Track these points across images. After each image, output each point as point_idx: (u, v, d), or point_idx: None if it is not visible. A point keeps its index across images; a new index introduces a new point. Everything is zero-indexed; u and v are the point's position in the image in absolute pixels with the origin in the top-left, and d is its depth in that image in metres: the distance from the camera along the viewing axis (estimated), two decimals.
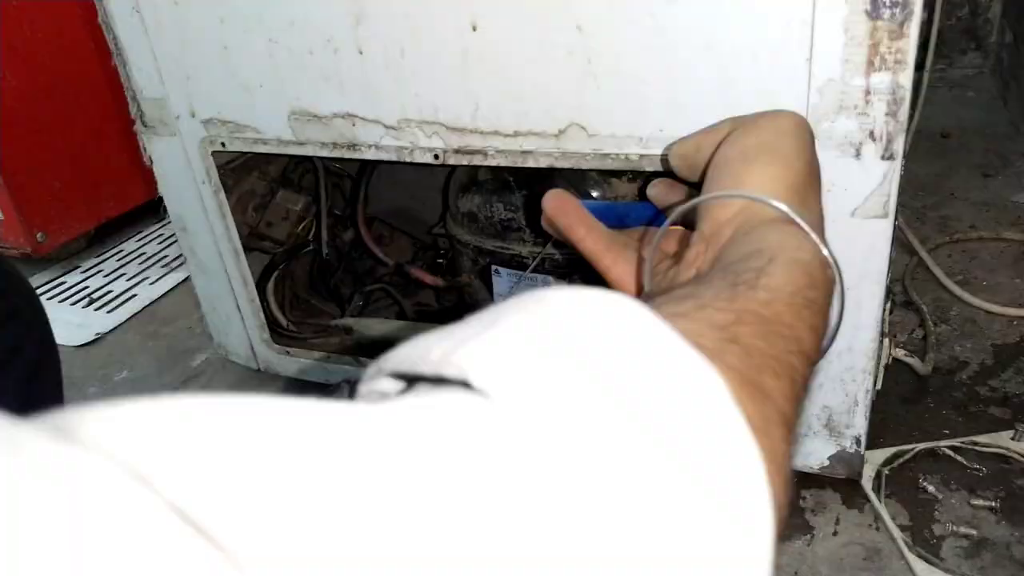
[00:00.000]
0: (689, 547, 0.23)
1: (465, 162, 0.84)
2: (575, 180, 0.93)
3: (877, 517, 0.85)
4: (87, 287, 1.58)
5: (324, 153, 0.91)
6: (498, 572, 0.20)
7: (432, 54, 0.79)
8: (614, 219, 0.59)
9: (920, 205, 1.45)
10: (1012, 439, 0.90)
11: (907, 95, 0.64)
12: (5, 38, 1.45)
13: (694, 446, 0.24)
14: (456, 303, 1.19)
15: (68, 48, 1.55)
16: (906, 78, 0.64)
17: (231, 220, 1.03)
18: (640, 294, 0.49)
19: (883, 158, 0.68)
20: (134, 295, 1.52)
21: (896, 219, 0.73)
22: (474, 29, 0.76)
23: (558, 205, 0.55)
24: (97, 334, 1.40)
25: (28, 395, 0.61)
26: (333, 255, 1.21)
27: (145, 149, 1.02)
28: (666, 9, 0.68)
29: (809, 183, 0.47)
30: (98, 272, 1.64)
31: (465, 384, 0.24)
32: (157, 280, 1.57)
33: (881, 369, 0.88)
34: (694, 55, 0.70)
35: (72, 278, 1.63)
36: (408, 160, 0.86)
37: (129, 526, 0.16)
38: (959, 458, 0.90)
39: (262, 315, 1.11)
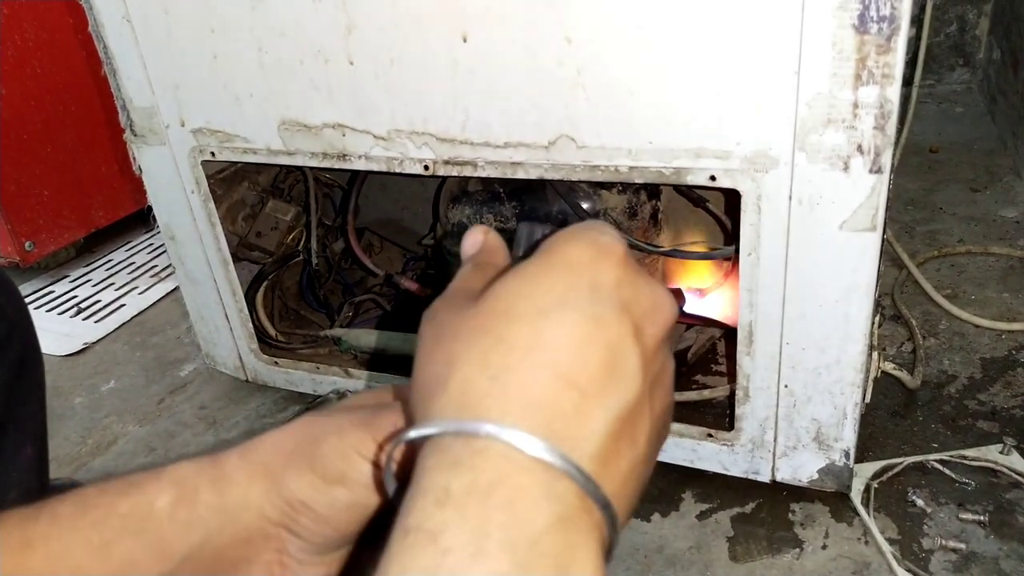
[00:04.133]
0: None
1: (455, 173, 0.84)
2: (565, 191, 0.93)
3: (866, 531, 0.85)
4: (75, 296, 1.57)
5: (314, 163, 0.90)
6: None
7: (422, 65, 0.79)
8: None
9: (909, 219, 1.45)
10: (1000, 453, 0.91)
11: (895, 109, 0.65)
12: None
13: None
14: None
15: (58, 57, 1.55)
16: (894, 92, 0.64)
17: (220, 230, 1.02)
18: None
19: (871, 171, 0.68)
20: (123, 305, 1.52)
21: (884, 233, 0.73)
22: (464, 40, 0.76)
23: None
24: (85, 344, 1.39)
25: (10, 396, 0.61)
26: (323, 265, 1.20)
27: (135, 158, 1.02)
28: (655, 21, 0.69)
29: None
30: (87, 282, 1.63)
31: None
32: (146, 290, 1.56)
33: (870, 382, 0.88)
34: (683, 67, 0.70)
35: (60, 287, 1.62)
36: (398, 171, 0.86)
37: None
38: (948, 472, 0.90)
39: (251, 325, 1.10)
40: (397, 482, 0.33)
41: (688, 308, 1.04)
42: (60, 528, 0.36)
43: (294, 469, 0.37)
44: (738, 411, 0.85)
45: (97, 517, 0.36)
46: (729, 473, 0.90)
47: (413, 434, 0.29)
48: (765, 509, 0.90)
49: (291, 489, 0.37)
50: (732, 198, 0.77)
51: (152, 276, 1.62)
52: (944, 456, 0.92)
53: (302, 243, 1.19)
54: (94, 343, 1.40)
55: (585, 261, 0.30)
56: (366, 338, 1.11)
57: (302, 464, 0.37)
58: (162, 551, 0.36)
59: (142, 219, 1.75)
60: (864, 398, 0.85)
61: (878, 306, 0.87)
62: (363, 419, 0.37)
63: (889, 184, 0.69)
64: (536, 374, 0.28)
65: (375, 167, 0.87)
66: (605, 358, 0.29)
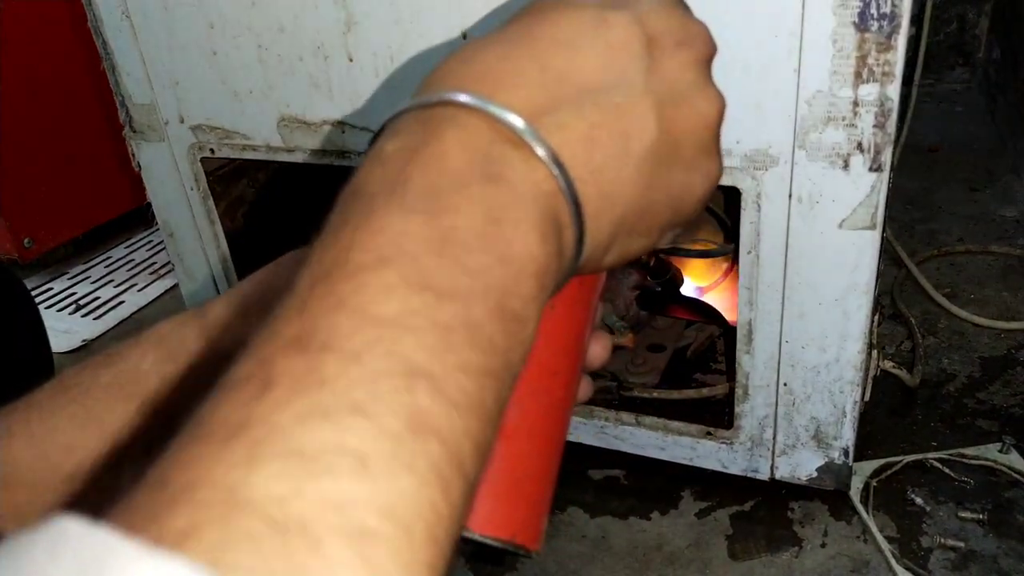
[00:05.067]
0: None
1: None
2: None
3: (865, 529, 0.85)
4: (74, 293, 1.57)
5: (313, 160, 0.90)
6: None
7: (422, 61, 0.79)
8: None
9: (908, 218, 1.45)
10: (1000, 451, 0.91)
11: (895, 107, 0.65)
12: None
13: None
14: None
15: (57, 53, 1.55)
16: (894, 90, 0.64)
17: (219, 227, 1.02)
18: None
19: (871, 169, 0.68)
20: (121, 302, 1.51)
21: (884, 231, 0.73)
22: (464, 37, 0.76)
23: None
24: (83, 341, 1.39)
25: (20, 396, 0.61)
26: None
27: (134, 155, 1.02)
28: None
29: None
30: (85, 278, 1.63)
31: None
32: (145, 287, 1.56)
33: (869, 381, 0.88)
34: None
35: (59, 284, 1.62)
36: None
37: None
38: (947, 470, 0.90)
39: None
40: None
41: (687, 303, 1.04)
42: (40, 411, 0.35)
43: None
44: (737, 409, 0.85)
45: (77, 393, 0.36)
46: (728, 471, 0.90)
47: (380, 125, 0.28)
48: (764, 507, 0.89)
49: None
50: (732, 196, 0.76)
51: (151, 273, 1.61)
52: (943, 455, 0.92)
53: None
54: (93, 340, 1.40)
55: None
56: None
57: None
58: (158, 408, 0.35)
59: (141, 216, 1.75)
60: (863, 396, 0.85)
61: (877, 304, 0.87)
62: None
63: (889, 182, 0.69)
64: (508, 57, 0.27)
65: None
66: (599, 56, 0.27)
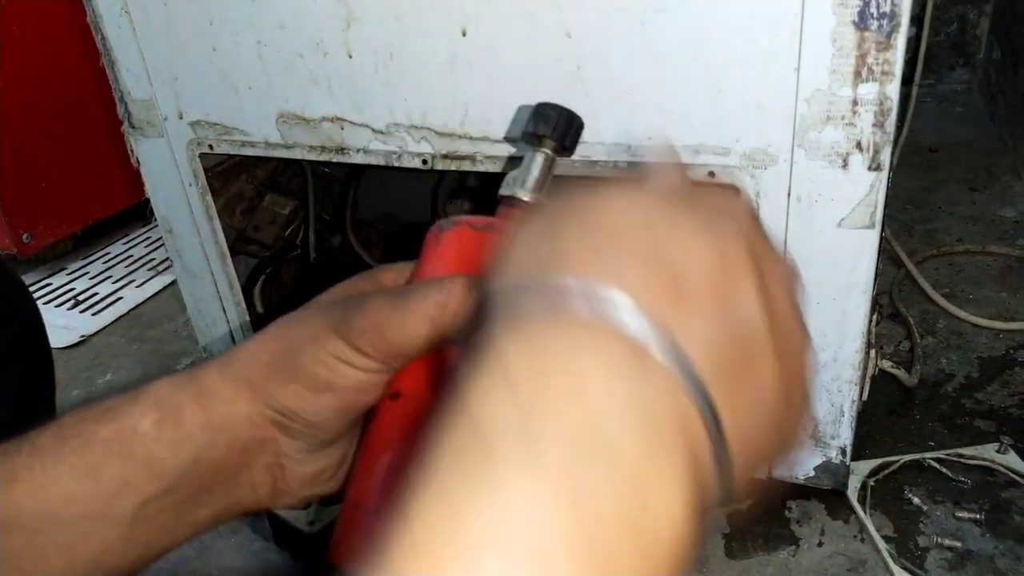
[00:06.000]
0: None
1: (454, 167, 0.84)
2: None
3: (862, 528, 0.85)
4: (73, 289, 1.57)
5: (312, 156, 0.90)
6: None
7: (422, 58, 0.79)
8: None
9: (907, 218, 1.45)
10: (997, 452, 0.91)
11: (894, 106, 0.65)
12: None
13: None
14: None
15: (56, 48, 1.54)
16: (893, 89, 0.64)
17: (218, 223, 1.02)
18: None
19: (870, 168, 0.68)
20: (120, 298, 1.51)
21: (883, 231, 0.73)
22: (464, 34, 0.76)
23: None
24: (82, 336, 1.39)
25: (24, 396, 0.62)
26: (321, 260, 1.20)
27: (133, 151, 1.02)
28: (655, 17, 0.69)
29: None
30: (84, 274, 1.63)
31: None
32: (143, 283, 1.56)
33: (867, 380, 0.88)
34: (683, 64, 0.70)
35: (58, 280, 1.62)
36: (396, 164, 0.86)
37: None
38: (944, 470, 0.90)
39: (248, 319, 1.10)
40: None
41: None
42: (43, 459, 0.36)
43: (276, 381, 0.37)
44: None
45: (77, 445, 0.37)
46: None
47: (481, 290, 0.25)
48: (761, 506, 0.90)
49: (278, 399, 0.37)
50: None
51: (150, 269, 1.61)
52: (941, 454, 0.92)
53: (300, 237, 1.18)
54: (91, 336, 1.40)
55: (708, 201, 0.27)
56: None
57: (283, 375, 0.37)
58: (153, 470, 0.36)
59: (140, 212, 1.75)
60: (861, 396, 0.85)
61: (876, 304, 0.87)
62: (336, 321, 0.37)
63: (888, 182, 0.69)
64: (639, 255, 0.24)
65: (373, 161, 0.87)
66: (721, 269, 0.24)
